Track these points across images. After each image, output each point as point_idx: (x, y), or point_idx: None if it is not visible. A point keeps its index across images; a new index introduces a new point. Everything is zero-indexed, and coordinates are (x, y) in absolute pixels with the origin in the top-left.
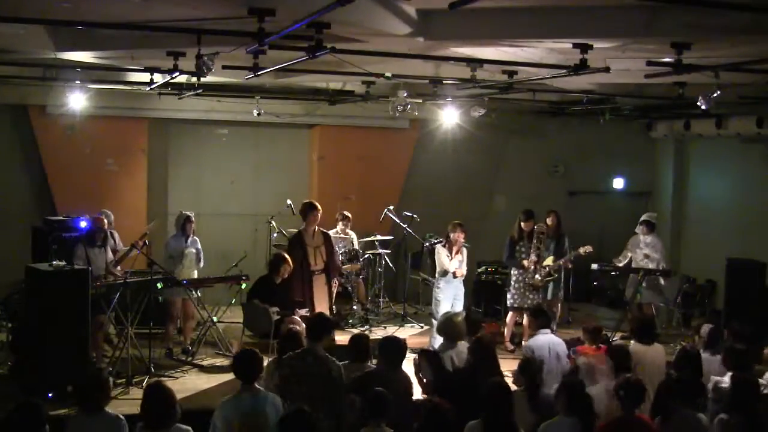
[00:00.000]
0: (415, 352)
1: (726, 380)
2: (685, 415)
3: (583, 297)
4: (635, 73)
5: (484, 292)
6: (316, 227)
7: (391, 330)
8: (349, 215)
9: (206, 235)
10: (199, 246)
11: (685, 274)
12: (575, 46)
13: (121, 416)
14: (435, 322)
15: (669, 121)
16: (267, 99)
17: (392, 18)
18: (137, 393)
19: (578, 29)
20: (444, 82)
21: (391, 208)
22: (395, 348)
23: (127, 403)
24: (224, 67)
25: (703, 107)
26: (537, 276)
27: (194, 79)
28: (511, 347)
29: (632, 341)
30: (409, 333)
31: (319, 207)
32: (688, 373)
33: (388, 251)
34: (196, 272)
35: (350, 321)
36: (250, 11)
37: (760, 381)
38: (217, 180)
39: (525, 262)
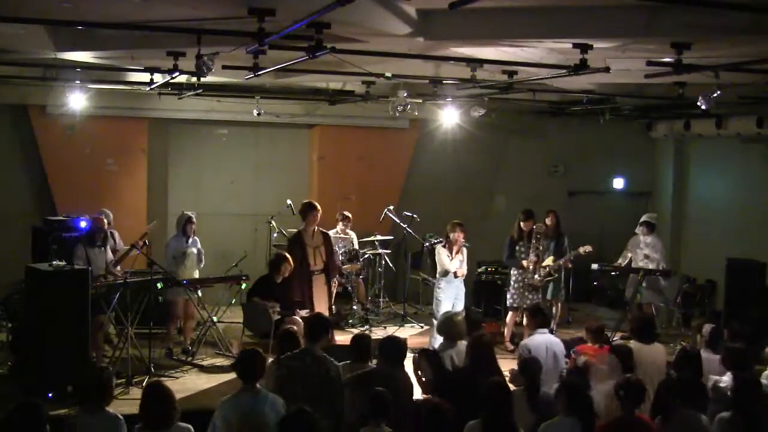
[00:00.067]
0: (415, 352)
1: (725, 380)
2: (686, 414)
3: (583, 297)
4: (635, 73)
5: (484, 292)
6: (316, 227)
7: (391, 330)
8: (349, 215)
9: (206, 235)
10: (200, 246)
11: (685, 274)
12: (575, 46)
13: (120, 416)
14: (435, 322)
15: (669, 121)
16: (267, 99)
17: (392, 18)
18: (137, 393)
19: (578, 29)
20: (444, 82)
21: (391, 208)
22: (396, 348)
23: (127, 403)
24: (224, 67)
25: (703, 107)
26: (536, 276)
27: (194, 79)
28: (511, 347)
29: (632, 341)
30: (409, 333)
31: (319, 207)
32: (688, 373)
33: (388, 251)
34: (197, 272)
35: (350, 321)
36: (250, 11)
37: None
38: (217, 180)
39: (524, 263)
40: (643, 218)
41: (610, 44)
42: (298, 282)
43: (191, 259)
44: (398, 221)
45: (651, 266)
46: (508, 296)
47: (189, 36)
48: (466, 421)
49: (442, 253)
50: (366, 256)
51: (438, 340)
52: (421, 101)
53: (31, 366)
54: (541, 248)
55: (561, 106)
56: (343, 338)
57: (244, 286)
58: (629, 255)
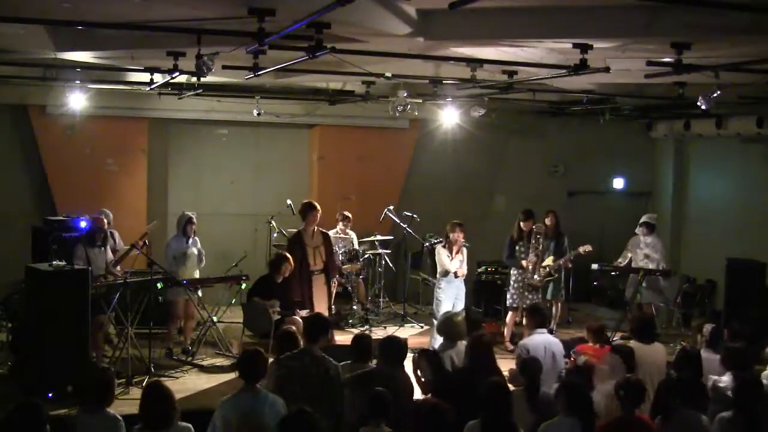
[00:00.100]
0: (414, 352)
1: (724, 380)
2: (686, 414)
3: (583, 297)
4: (635, 73)
5: (484, 292)
6: (316, 227)
7: (391, 330)
8: (349, 215)
9: (206, 235)
10: (200, 246)
11: (685, 274)
12: (575, 46)
13: (119, 417)
14: (435, 322)
15: (669, 121)
16: (267, 99)
17: (392, 18)
18: (137, 393)
19: (578, 29)
20: (444, 82)
21: (391, 208)
22: (396, 348)
23: (127, 403)
24: (224, 67)
25: (703, 107)
26: (535, 276)
27: (194, 79)
28: (511, 347)
29: (632, 341)
30: (409, 333)
31: (319, 207)
32: (688, 373)
33: (388, 251)
34: (197, 272)
35: (350, 321)
36: (250, 11)
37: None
38: (217, 180)
39: (523, 263)
40: (643, 219)
41: (610, 44)
42: (298, 282)
43: (192, 259)
44: (398, 221)
45: (651, 266)
46: (508, 296)
47: (189, 36)
48: (466, 422)
49: (442, 254)
50: (366, 256)
51: (438, 341)
52: (421, 101)
53: (31, 366)
54: (540, 248)
55: (561, 106)
56: (343, 338)
57: (244, 286)
58: (629, 255)
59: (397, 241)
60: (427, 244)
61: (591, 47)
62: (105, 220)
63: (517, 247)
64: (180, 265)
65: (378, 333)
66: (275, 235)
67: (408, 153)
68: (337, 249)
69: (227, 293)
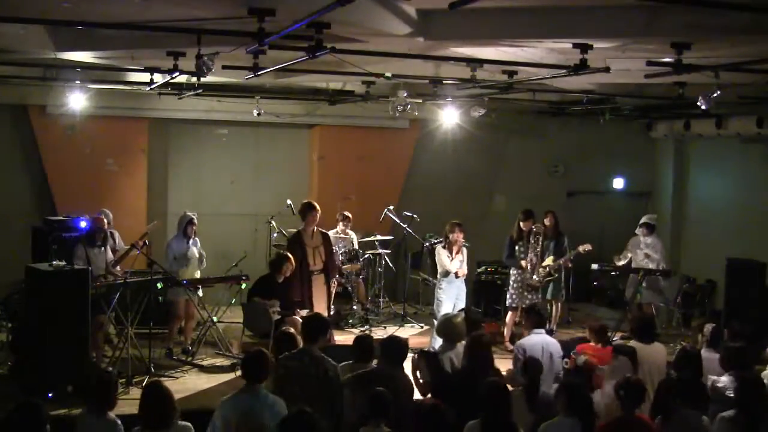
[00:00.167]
0: (414, 352)
1: (723, 380)
2: (686, 414)
3: (583, 297)
4: (635, 73)
5: (484, 292)
6: (315, 227)
7: (391, 330)
8: (349, 215)
9: (206, 235)
10: (200, 247)
11: (685, 274)
12: (575, 46)
13: (119, 421)
14: (436, 323)
15: (669, 121)
16: (267, 99)
17: (392, 18)
18: (137, 393)
19: (578, 29)
20: (444, 82)
21: (391, 208)
22: (397, 348)
23: (127, 403)
24: (224, 67)
25: (703, 107)
26: (534, 277)
27: (194, 79)
28: (511, 347)
29: (632, 341)
30: (409, 333)
31: (318, 207)
32: (688, 373)
33: (388, 251)
34: (198, 273)
35: (350, 321)
36: (250, 11)
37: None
38: (217, 180)
39: (522, 263)
40: (643, 219)
41: (610, 44)
42: (298, 282)
43: (192, 260)
44: (398, 221)
45: (651, 266)
46: (508, 296)
47: (189, 36)
48: (465, 422)
49: (442, 254)
50: (366, 256)
51: (439, 341)
52: (421, 101)
53: (31, 366)
54: (539, 249)
55: (561, 106)
56: (343, 338)
57: (244, 286)
58: (629, 255)
59: (397, 241)
60: (427, 244)
61: (591, 47)
62: (105, 220)
63: (516, 247)
64: (181, 265)
65: (378, 333)
66: (275, 235)
67: (408, 153)
68: (337, 249)
69: (227, 293)
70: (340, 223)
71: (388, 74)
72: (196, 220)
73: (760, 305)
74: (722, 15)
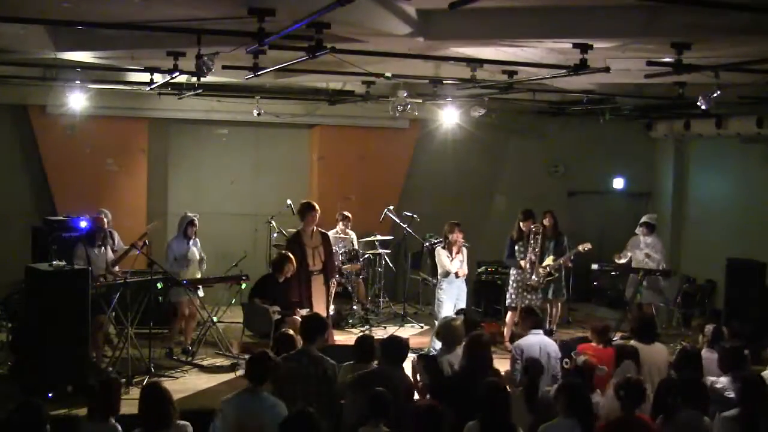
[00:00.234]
0: (414, 353)
1: (722, 380)
2: (686, 414)
3: (583, 297)
4: (635, 73)
5: (484, 292)
6: (315, 227)
7: (391, 330)
8: (349, 215)
9: (206, 235)
10: (200, 248)
11: (685, 274)
12: (575, 46)
13: (119, 427)
14: (436, 323)
15: (669, 121)
16: (267, 99)
17: (392, 18)
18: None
19: (578, 29)
20: (444, 82)
21: (391, 208)
22: (397, 348)
23: (127, 403)
24: (224, 67)
25: (703, 107)
26: (534, 277)
27: (194, 79)
28: (511, 347)
29: (632, 341)
30: (409, 333)
31: (317, 207)
32: (689, 373)
33: (388, 251)
34: (198, 274)
35: (350, 321)
36: (250, 11)
37: None
38: (217, 180)
39: (522, 263)
40: (644, 219)
41: (610, 44)
42: (297, 282)
43: (193, 261)
44: (398, 221)
45: (651, 266)
46: (508, 296)
47: (189, 36)
48: (464, 423)
49: (442, 255)
50: (366, 256)
51: (439, 343)
52: (421, 101)
53: (31, 366)
54: (538, 249)
55: (561, 106)
56: (343, 338)
57: (244, 286)
58: (629, 254)
59: (397, 241)
60: (427, 244)
61: (591, 47)
62: (105, 220)
63: (516, 247)
64: (181, 267)
65: (378, 333)
66: (275, 235)
67: (408, 153)
68: (337, 249)
69: (227, 293)
70: (340, 223)
71: (388, 74)
72: (197, 221)
73: (760, 305)
74: (722, 15)
